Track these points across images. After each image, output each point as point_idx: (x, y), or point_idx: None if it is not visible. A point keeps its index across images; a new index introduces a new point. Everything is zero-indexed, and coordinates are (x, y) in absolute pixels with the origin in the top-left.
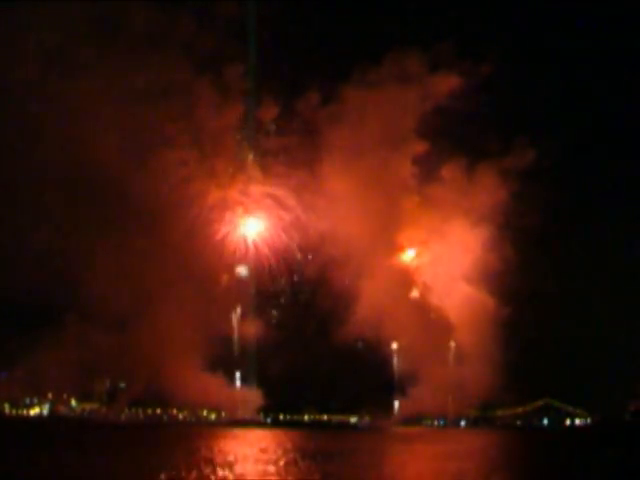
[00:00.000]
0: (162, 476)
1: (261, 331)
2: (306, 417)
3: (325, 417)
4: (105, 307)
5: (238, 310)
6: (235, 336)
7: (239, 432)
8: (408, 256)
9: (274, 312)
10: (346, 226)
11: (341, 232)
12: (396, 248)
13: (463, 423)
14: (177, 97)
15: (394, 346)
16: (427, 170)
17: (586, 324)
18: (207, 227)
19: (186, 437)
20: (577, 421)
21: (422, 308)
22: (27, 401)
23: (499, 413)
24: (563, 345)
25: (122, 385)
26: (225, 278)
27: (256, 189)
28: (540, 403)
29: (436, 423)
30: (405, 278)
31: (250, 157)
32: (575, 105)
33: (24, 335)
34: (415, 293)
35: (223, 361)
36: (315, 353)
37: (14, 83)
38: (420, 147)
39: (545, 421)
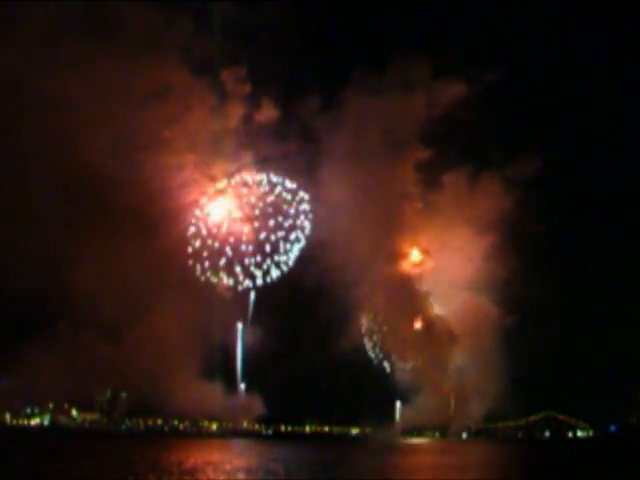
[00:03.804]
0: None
1: (260, 340)
2: (307, 429)
3: (327, 429)
4: (100, 314)
5: (237, 318)
6: (234, 345)
7: (238, 443)
8: (410, 264)
9: (273, 320)
10: (347, 233)
11: (342, 239)
12: (398, 256)
13: (465, 435)
14: (174, 99)
15: (396, 356)
16: (430, 177)
17: (589, 335)
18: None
19: (179, 447)
20: (579, 433)
21: (424, 317)
22: (28, 411)
23: (501, 425)
24: (566, 357)
25: (123, 395)
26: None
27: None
28: (542, 415)
29: (437, 435)
30: (407, 286)
31: (248, 162)
32: (580, 114)
33: (16, 343)
34: (417, 302)
35: (221, 369)
36: (316, 363)
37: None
38: (423, 154)
39: (547, 433)
